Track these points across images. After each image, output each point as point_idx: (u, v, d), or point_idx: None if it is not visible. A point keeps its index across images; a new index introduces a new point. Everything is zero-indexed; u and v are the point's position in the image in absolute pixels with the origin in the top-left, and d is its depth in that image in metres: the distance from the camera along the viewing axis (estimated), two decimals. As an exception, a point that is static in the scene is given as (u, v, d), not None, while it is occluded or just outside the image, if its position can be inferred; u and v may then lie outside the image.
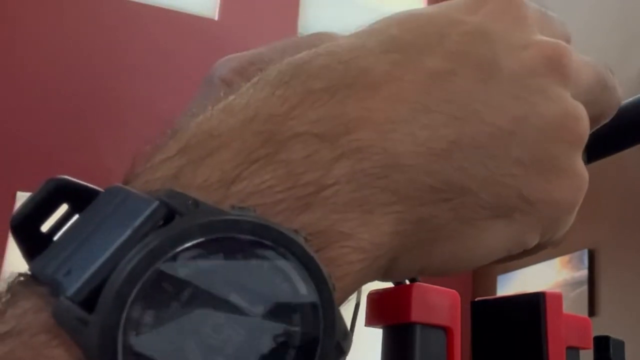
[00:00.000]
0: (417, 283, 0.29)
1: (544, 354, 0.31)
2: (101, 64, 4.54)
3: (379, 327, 0.30)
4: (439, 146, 0.21)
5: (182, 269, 0.17)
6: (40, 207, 0.20)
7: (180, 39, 4.73)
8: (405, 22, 0.24)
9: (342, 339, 0.18)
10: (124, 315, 0.16)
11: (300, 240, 0.18)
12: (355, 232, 0.20)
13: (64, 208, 0.20)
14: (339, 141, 0.21)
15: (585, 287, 3.82)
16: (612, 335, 0.38)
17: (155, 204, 0.18)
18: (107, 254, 0.18)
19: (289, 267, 0.18)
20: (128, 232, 0.18)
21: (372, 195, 0.21)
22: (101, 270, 0.17)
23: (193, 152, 0.21)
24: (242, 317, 0.17)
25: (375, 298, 0.30)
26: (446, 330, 0.29)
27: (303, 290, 0.18)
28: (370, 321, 0.31)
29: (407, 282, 0.32)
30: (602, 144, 0.30)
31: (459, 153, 0.22)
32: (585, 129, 0.24)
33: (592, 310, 3.73)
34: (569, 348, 0.32)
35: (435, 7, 0.25)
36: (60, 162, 4.28)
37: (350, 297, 0.22)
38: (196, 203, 0.18)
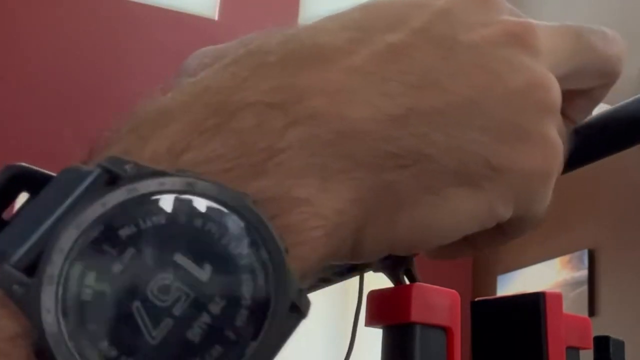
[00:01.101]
0: (417, 283, 0.29)
1: (544, 354, 0.31)
2: (101, 64, 4.54)
3: (379, 327, 0.30)
4: (396, 112, 0.21)
5: (123, 230, 0.17)
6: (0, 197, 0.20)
7: (180, 39, 4.72)
8: (370, 6, 0.24)
9: (296, 298, 0.18)
10: (63, 273, 0.16)
11: (248, 201, 0.18)
12: (314, 197, 0.20)
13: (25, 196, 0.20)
14: (292, 109, 0.20)
15: (585, 287, 3.81)
16: (612, 335, 0.38)
17: (97, 171, 0.18)
18: (50, 222, 0.18)
19: (236, 226, 0.18)
20: (69, 200, 0.18)
21: (329, 162, 0.20)
22: (43, 237, 0.17)
23: (143, 129, 0.21)
24: (189, 277, 0.17)
25: (375, 298, 0.30)
26: (446, 330, 0.29)
27: (252, 250, 0.18)
28: (370, 321, 0.31)
29: (407, 281, 0.32)
30: (603, 143, 0.30)
31: (416, 119, 0.21)
32: (555, 97, 0.24)
33: (592, 310, 3.73)
34: (569, 348, 0.32)
35: None
36: (60, 162, 4.26)
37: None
38: (137, 165, 0.18)
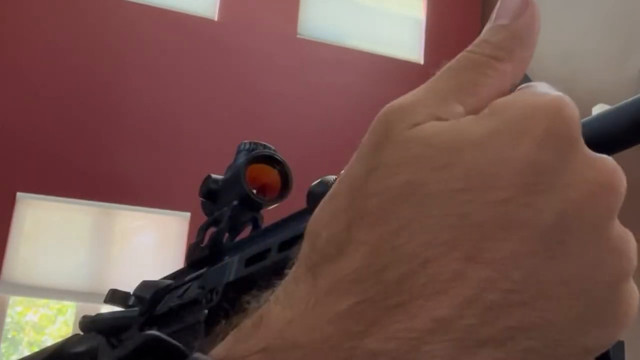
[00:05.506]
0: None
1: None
2: (101, 65, 4.54)
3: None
4: (501, 336, 0.20)
5: None
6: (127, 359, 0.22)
7: (180, 39, 4.73)
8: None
9: None
10: None
11: None
12: None
13: None
14: None
15: (585, 287, 3.81)
16: (612, 335, 0.38)
17: None
18: None
19: None
20: None
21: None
22: None
23: (275, 358, 0.21)
24: None
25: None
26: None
27: None
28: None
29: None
30: (602, 144, 0.30)
31: (521, 336, 0.21)
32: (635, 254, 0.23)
33: (592, 310, 3.72)
34: (569, 348, 0.32)
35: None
36: (61, 163, 4.28)
37: None
38: None
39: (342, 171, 0.24)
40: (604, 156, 0.23)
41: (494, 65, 0.24)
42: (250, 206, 0.60)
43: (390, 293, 0.21)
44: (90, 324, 0.66)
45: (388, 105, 0.23)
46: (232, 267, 0.52)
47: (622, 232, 0.23)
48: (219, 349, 0.22)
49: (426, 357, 0.20)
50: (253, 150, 0.61)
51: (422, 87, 0.24)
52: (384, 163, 0.22)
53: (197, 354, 0.21)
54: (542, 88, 0.23)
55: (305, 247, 0.23)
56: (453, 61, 0.24)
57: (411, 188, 0.21)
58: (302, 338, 0.21)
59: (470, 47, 0.24)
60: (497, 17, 0.25)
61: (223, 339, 0.23)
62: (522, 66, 0.24)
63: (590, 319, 0.22)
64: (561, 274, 0.21)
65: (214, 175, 0.63)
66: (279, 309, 0.22)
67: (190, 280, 0.58)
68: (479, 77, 0.23)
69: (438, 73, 0.24)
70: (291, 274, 0.23)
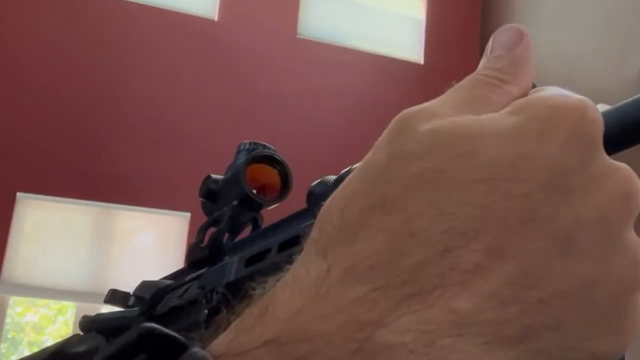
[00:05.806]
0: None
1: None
2: (101, 65, 4.54)
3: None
4: (516, 334, 0.20)
5: None
6: (121, 354, 0.20)
7: (180, 39, 4.73)
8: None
9: None
10: None
11: None
12: None
13: None
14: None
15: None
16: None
17: None
18: None
19: None
20: None
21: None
22: None
23: (282, 351, 0.20)
24: None
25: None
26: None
27: None
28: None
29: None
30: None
31: (535, 336, 0.21)
32: None
33: (592, 310, 3.72)
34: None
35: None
36: (60, 163, 4.28)
37: None
38: None
39: (357, 164, 0.24)
40: (621, 164, 0.23)
41: (500, 85, 0.24)
42: (250, 206, 0.59)
43: (407, 281, 0.20)
44: (90, 324, 0.66)
45: (406, 109, 0.23)
46: (232, 267, 0.52)
47: (637, 241, 0.23)
48: (220, 342, 0.21)
49: (443, 352, 0.19)
50: (253, 150, 0.61)
51: (435, 100, 0.24)
52: (404, 151, 0.22)
53: (195, 349, 0.20)
54: (558, 91, 0.24)
55: (314, 231, 0.23)
56: (462, 81, 0.25)
57: (432, 175, 0.21)
58: (312, 328, 0.20)
59: (476, 71, 0.25)
60: (493, 51, 0.25)
61: (225, 329, 0.22)
62: (525, 90, 0.25)
63: (601, 325, 0.22)
64: (575, 276, 0.21)
65: (214, 175, 0.63)
66: (287, 294, 0.21)
67: (190, 281, 0.58)
68: (488, 94, 0.24)
69: (448, 91, 0.25)
70: (300, 258, 0.23)
